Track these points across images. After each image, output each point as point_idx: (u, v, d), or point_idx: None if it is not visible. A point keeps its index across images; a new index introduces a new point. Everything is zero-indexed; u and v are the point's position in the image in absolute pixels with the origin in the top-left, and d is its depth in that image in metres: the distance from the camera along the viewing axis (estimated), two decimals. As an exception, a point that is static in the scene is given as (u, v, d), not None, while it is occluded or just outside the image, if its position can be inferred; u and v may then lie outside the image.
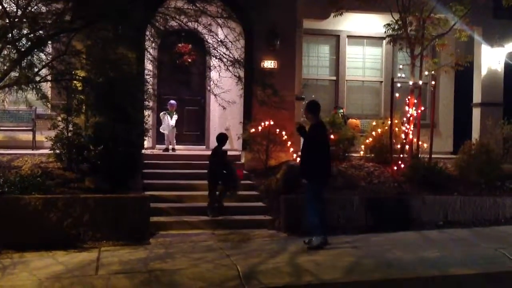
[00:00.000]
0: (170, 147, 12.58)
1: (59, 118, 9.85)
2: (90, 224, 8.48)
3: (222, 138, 10.27)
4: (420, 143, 11.77)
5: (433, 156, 11.63)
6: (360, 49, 14.92)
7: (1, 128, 12.16)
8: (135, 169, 9.91)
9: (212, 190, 9.71)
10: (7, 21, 8.07)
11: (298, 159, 10.02)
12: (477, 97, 14.35)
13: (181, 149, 12.89)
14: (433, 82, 12.37)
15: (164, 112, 12.69)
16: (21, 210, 8.23)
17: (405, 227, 9.56)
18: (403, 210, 9.96)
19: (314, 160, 8.23)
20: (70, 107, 9.71)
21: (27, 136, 12.20)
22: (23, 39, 8.39)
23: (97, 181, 9.22)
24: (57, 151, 9.77)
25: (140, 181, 10.18)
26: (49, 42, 8.84)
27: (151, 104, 10.69)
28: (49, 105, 9.58)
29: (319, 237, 8.20)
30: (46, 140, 10.13)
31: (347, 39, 14.65)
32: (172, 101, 12.80)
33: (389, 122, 11.62)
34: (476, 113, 14.30)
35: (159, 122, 13.04)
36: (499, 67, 14.15)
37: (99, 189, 9.03)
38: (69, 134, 9.71)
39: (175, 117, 12.77)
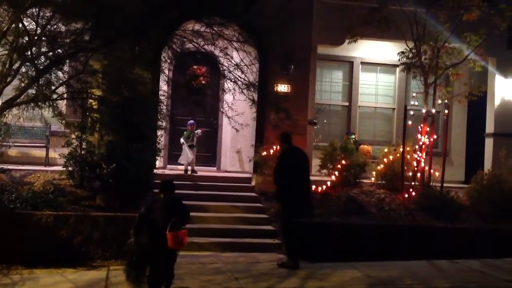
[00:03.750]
0: (189, 167, 12.41)
1: (73, 136, 9.91)
2: (99, 242, 8.50)
3: None
4: (431, 171, 11.72)
5: (444, 184, 11.55)
6: (373, 76, 14.96)
7: (16, 144, 12.20)
8: (146, 189, 9.92)
9: None
10: (27, 39, 8.21)
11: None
12: (489, 127, 14.30)
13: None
14: (446, 111, 12.35)
15: (183, 142, 12.49)
16: (32, 226, 8.27)
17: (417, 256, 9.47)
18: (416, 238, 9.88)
19: (283, 184, 8.50)
20: (85, 125, 9.80)
21: (40, 153, 12.25)
22: (42, 57, 8.52)
23: (108, 199, 9.24)
24: (70, 169, 9.81)
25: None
26: (67, 60, 8.97)
27: (164, 124, 10.75)
28: (64, 123, 9.67)
29: (289, 258, 8.48)
30: (59, 157, 10.18)
31: (360, 65, 14.70)
32: (191, 121, 12.77)
33: (401, 149, 11.58)
34: (489, 143, 14.23)
35: (171, 142, 13.06)
36: (513, 98, 14.12)
37: (109, 208, 9.06)
38: (82, 152, 9.77)
39: (198, 131, 12.77)
